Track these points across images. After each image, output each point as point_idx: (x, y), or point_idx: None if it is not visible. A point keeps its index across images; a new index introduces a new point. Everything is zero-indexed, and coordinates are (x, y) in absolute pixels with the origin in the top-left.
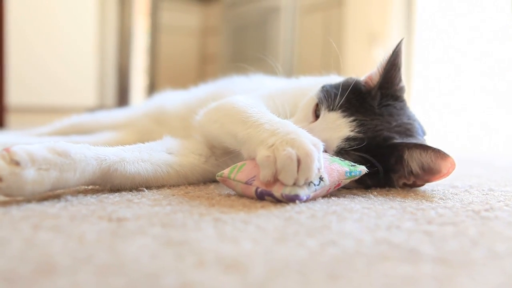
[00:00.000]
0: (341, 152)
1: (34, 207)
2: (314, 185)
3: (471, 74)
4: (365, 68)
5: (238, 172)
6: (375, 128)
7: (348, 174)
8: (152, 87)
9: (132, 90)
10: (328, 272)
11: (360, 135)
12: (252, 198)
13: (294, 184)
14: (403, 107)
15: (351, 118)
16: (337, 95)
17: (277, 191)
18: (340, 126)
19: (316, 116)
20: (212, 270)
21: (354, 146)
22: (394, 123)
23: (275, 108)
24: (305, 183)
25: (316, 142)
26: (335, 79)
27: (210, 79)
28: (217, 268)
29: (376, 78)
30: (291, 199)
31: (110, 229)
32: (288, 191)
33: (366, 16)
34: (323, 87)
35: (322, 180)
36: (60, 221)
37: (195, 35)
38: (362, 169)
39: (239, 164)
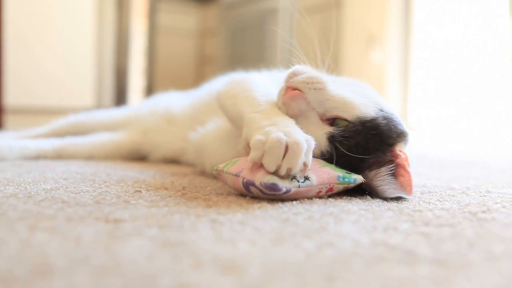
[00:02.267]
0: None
1: (31, 208)
2: (298, 181)
3: (468, 75)
4: (362, 69)
5: (231, 166)
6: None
7: (340, 179)
8: (150, 89)
9: (130, 92)
10: (325, 273)
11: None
12: (241, 191)
13: (276, 173)
14: None
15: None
16: (355, 148)
17: (258, 179)
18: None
19: (330, 121)
20: (208, 271)
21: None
22: None
23: None
24: (288, 176)
25: (308, 138)
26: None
27: (209, 80)
28: (214, 269)
29: None
30: (269, 188)
31: (107, 230)
32: (267, 179)
33: (364, 18)
34: (372, 120)
35: (308, 180)
36: (57, 222)
37: (193, 36)
38: (358, 178)
39: (234, 159)
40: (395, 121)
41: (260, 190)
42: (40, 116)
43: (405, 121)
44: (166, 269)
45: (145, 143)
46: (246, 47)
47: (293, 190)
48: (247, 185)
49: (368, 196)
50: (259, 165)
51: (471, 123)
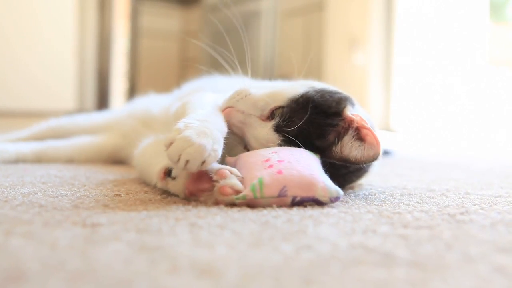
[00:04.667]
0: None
1: (7, 213)
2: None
3: (450, 77)
4: (344, 71)
5: (262, 189)
6: None
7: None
8: (132, 91)
9: (112, 94)
10: (302, 277)
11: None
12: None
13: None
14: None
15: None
16: (296, 123)
17: (323, 195)
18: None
19: (272, 116)
20: (185, 275)
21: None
22: None
23: None
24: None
25: (216, 141)
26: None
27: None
28: (191, 273)
29: None
30: (336, 199)
31: (84, 235)
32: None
33: (346, 21)
34: (302, 96)
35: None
36: (33, 227)
37: (175, 39)
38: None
39: (253, 181)
40: (329, 91)
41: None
42: (20, 119)
43: (387, 123)
44: (142, 273)
45: (124, 147)
46: (228, 49)
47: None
48: (300, 202)
49: (348, 199)
50: (310, 179)
51: (453, 125)
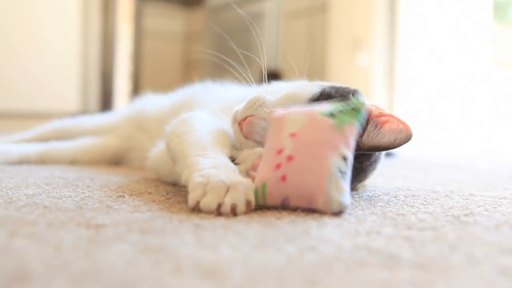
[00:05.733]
0: None
1: (11, 214)
2: None
3: (454, 78)
4: (348, 72)
5: (265, 198)
6: None
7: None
8: (136, 92)
9: (116, 95)
10: (306, 278)
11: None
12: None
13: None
14: (376, 159)
15: None
16: None
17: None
18: None
19: None
20: (189, 276)
21: None
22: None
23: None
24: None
25: (247, 181)
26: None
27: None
28: (195, 274)
29: None
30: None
31: (88, 236)
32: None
33: (350, 22)
34: (321, 93)
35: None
36: (37, 228)
37: (179, 40)
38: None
39: (257, 185)
40: (340, 86)
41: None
42: (24, 120)
43: None
44: (146, 274)
45: (125, 150)
46: (232, 50)
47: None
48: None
49: (352, 200)
50: (314, 191)
51: (457, 126)
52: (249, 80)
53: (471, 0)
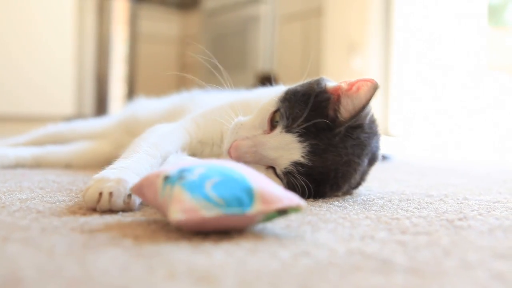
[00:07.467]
0: (287, 175)
1: (4, 219)
2: None
3: (448, 82)
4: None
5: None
6: (325, 160)
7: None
8: (131, 96)
9: (111, 99)
10: (300, 283)
11: (310, 163)
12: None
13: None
14: (363, 140)
15: (306, 144)
16: (300, 115)
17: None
18: (293, 149)
19: (272, 126)
20: (182, 282)
21: (301, 173)
22: (345, 158)
23: (216, 125)
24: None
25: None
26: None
27: (190, 88)
28: (188, 280)
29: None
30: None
31: (81, 241)
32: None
33: (345, 25)
34: (286, 93)
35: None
36: (30, 233)
37: (174, 43)
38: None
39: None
40: (303, 81)
41: None
42: (19, 123)
43: (386, 128)
44: (139, 280)
45: (116, 155)
46: (227, 54)
47: None
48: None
49: (346, 205)
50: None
51: (451, 130)
52: (232, 87)
53: (466, 4)
